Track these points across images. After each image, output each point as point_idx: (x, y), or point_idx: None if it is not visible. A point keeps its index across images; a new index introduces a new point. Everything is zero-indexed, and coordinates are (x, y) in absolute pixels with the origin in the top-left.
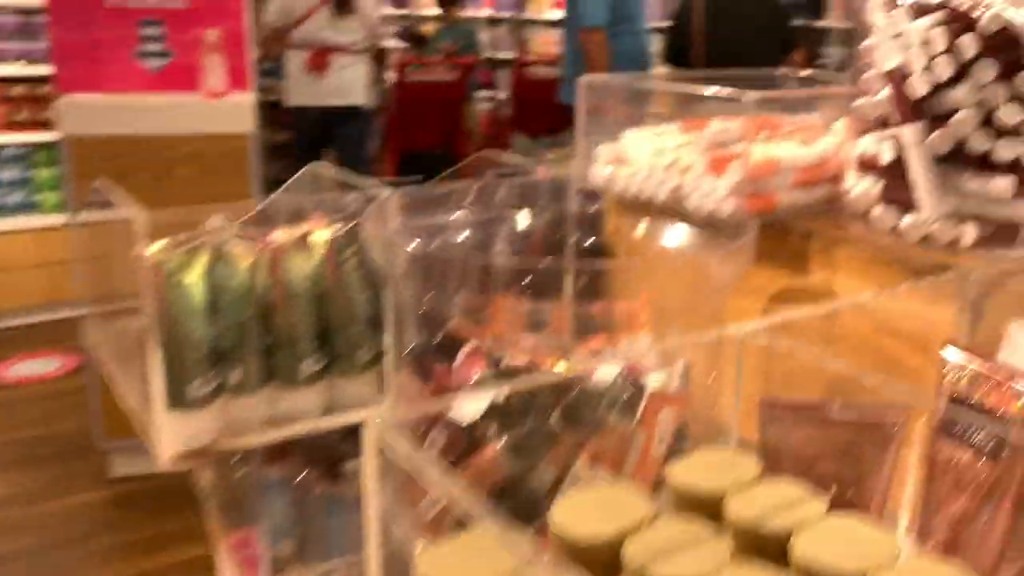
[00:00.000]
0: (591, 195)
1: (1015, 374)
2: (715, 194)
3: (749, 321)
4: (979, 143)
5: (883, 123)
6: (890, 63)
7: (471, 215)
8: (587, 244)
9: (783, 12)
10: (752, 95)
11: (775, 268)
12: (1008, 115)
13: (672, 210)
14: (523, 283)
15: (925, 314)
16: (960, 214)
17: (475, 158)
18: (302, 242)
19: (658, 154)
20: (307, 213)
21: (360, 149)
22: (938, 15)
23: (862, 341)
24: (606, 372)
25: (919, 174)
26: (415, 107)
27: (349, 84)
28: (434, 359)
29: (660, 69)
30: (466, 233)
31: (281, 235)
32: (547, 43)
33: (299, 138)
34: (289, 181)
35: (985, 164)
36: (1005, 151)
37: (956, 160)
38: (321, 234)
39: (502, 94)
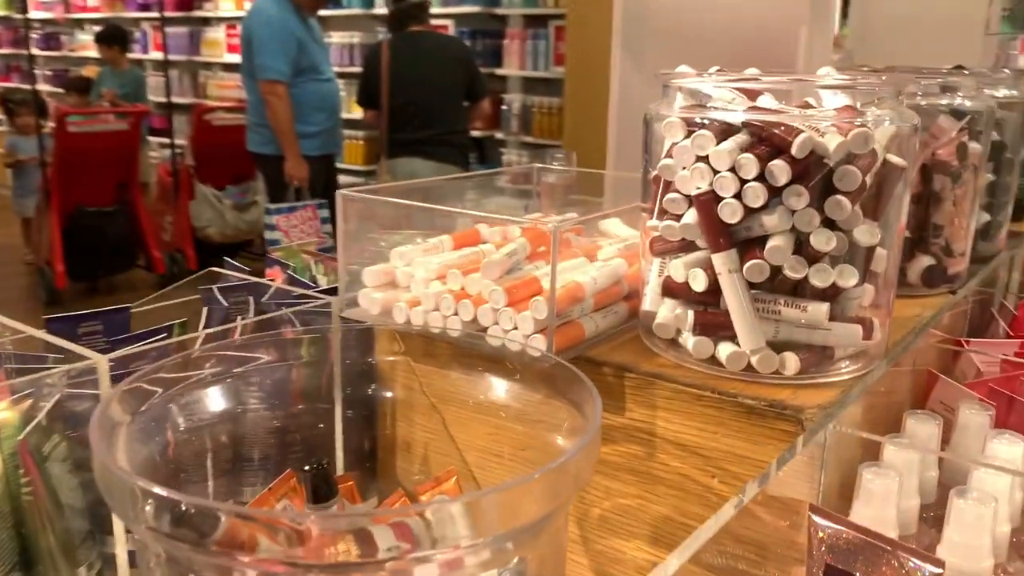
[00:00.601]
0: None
1: (896, 546)
2: (522, 329)
3: None
4: (794, 271)
5: (686, 247)
6: (696, 187)
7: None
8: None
9: (469, 59)
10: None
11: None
12: (820, 242)
13: (463, 346)
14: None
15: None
16: (777, 342)
17: (203, 274)
18: None
19: (438, 278)
20: None
21: None
22: (743, 137)
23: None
24: None
25: (736, 305)
26: (80, 160)
27: None
28: None
29: (355, 113)
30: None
31: None
32: (226, 87)
33: None
34: None
35: (799, 291)
36: (818, 278)
37: (769, 287)
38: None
39: (181, 141)
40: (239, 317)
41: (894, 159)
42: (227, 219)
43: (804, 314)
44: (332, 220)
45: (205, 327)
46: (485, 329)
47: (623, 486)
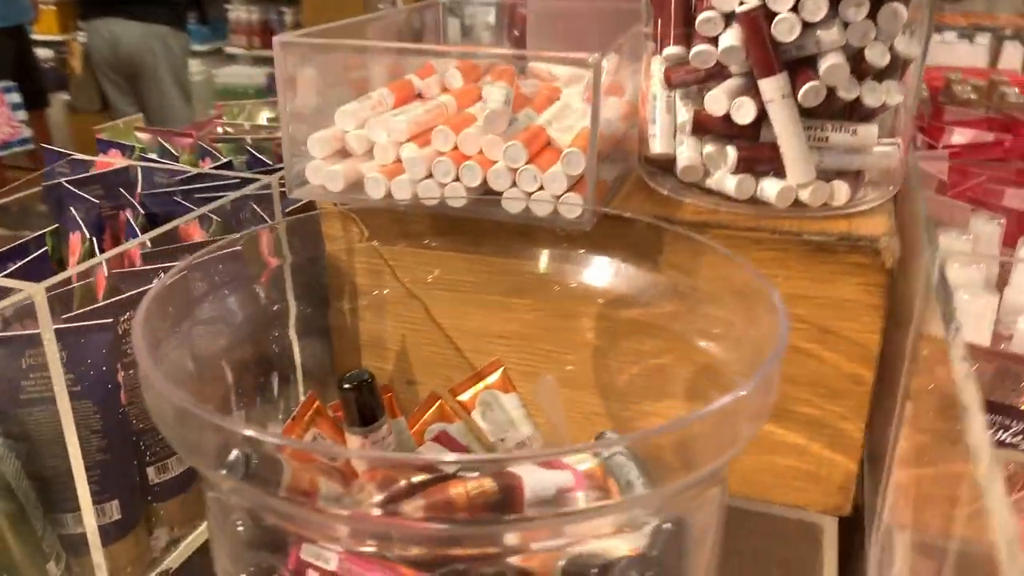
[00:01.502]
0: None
1: None
2: (551, 189)
3: None
4: (847, 91)
5: (712, 76)
6: (739, 2)
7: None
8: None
9: None
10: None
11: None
12: (875, 56)
13: (456, 219)
14: None
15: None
16: (824, 171)
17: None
18: None
19: (412, 140)
20: None
21: None
22: None
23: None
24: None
25: (790, 134)
26: None
27: None
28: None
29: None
30: None
31: None
32: None
33: None
34: None
35: (850, 113)
36: (871, 97)
37: (816, 112)
38: None
39: None
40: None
41: None
42: None
43: (854, 138)
44: (28, 105)
45: (76, 232)
46: (499, 194)
47: (658, 345)
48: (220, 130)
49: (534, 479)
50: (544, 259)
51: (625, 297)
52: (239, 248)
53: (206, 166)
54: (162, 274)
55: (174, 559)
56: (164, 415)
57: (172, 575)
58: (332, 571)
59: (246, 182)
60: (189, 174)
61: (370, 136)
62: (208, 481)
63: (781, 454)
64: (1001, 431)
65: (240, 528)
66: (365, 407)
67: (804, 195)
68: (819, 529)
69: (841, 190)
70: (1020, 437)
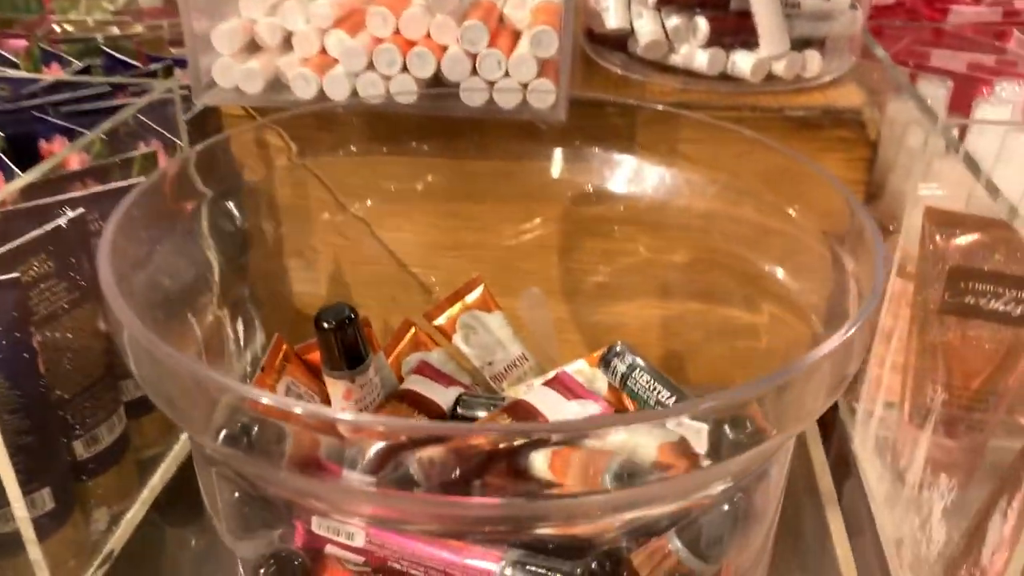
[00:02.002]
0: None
1: None
2: (518, 75)
3: None
4: None
5: None
6: None
7: None
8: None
9: None
10: None
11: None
12: None
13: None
14: None
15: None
16: (794, 41)
17: None
18: None
19: (337, 27)
20: None
21: None
22: None
23: None
24: None
25: (764, 3)
26: None
27: None
28: None
29: None
30: None
31: None
32: None
33: None
34: None
35: None
36: None
37: None
38: None
39: None
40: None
41: None
42: None
43: (827, 3)
44: None
45: None
46: (456, 85)
47: (626, 243)
48: (57, 28)
49: (561, 415)
50: (509, 157)
51: (603, 193)
52: (158, 180)
53: (54, 73)
54: (64, 211)
55: (117, 540)
56: (160, 385)
57: (117, 557)
58: (359, 547)
59: (118, 90)
60: (43, 84)
61: (285, 24)
62: (198, 444)
63: (744, 337)
64: (992, 300)
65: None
66: (350, 347)
67: (778, 68)
68: None
69: (814, 60)
70: (1013, 304)
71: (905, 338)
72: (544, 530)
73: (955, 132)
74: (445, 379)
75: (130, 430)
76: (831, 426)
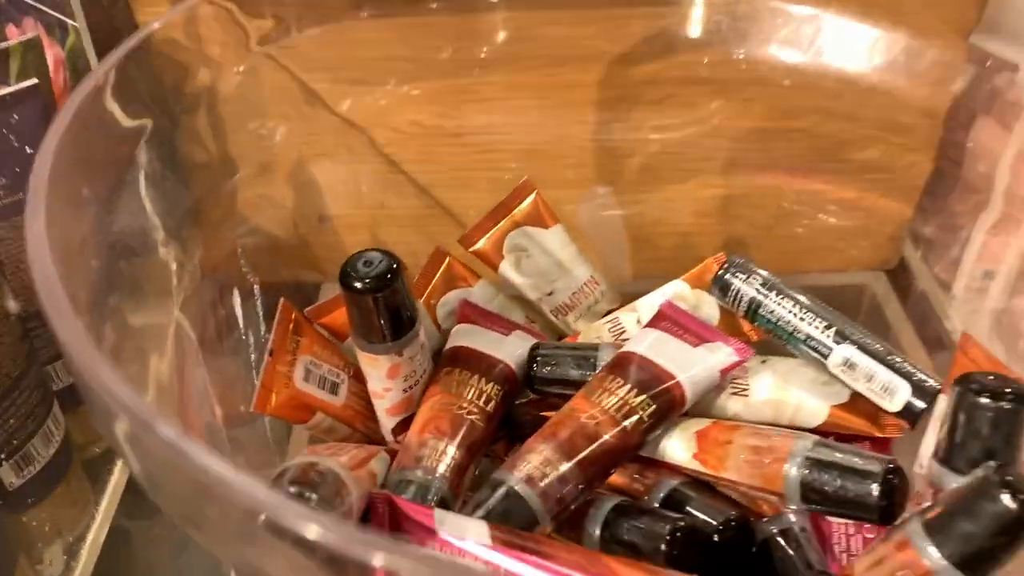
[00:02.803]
0: None
1: None
2: None
3: None
4: None
5: None
6: None
7: None
8: None
9: None
10: None
11: None
12: None
13: None
14: None
15: None
16: None
17: None
18: None
19: None
20: None
21: None
22: None
23: None
24: None
25: None
26: None
27: None
28: None
29: None
30: None
31: None
32: None
33: None
34: None
35: None
36: None
37: None
38: None
39: None
40: None
41: None
42: None
43: None
44: None
45: None
46: None
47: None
48: None
49: (693, 380)
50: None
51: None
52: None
53: None
54: None
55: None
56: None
57: None
58: None
59: None
60: None
61: None
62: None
63: (826, 213)
64: None
65: None
66: (395, 312)
67: None
68: (861, 289)
69: None
70: None
71: None
72: None
73: None
74: (499, 322)
75: (69, 429)
76: None
